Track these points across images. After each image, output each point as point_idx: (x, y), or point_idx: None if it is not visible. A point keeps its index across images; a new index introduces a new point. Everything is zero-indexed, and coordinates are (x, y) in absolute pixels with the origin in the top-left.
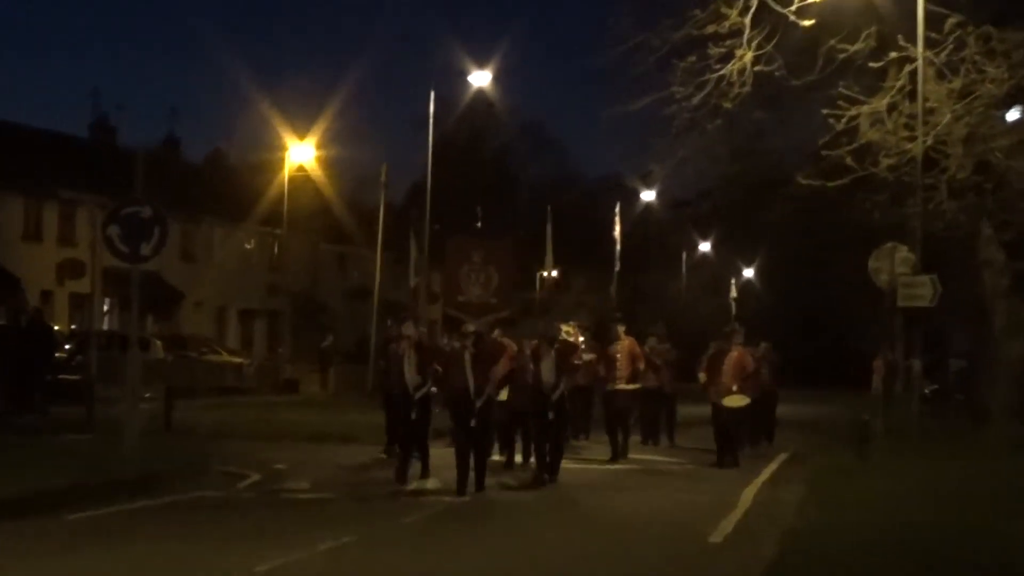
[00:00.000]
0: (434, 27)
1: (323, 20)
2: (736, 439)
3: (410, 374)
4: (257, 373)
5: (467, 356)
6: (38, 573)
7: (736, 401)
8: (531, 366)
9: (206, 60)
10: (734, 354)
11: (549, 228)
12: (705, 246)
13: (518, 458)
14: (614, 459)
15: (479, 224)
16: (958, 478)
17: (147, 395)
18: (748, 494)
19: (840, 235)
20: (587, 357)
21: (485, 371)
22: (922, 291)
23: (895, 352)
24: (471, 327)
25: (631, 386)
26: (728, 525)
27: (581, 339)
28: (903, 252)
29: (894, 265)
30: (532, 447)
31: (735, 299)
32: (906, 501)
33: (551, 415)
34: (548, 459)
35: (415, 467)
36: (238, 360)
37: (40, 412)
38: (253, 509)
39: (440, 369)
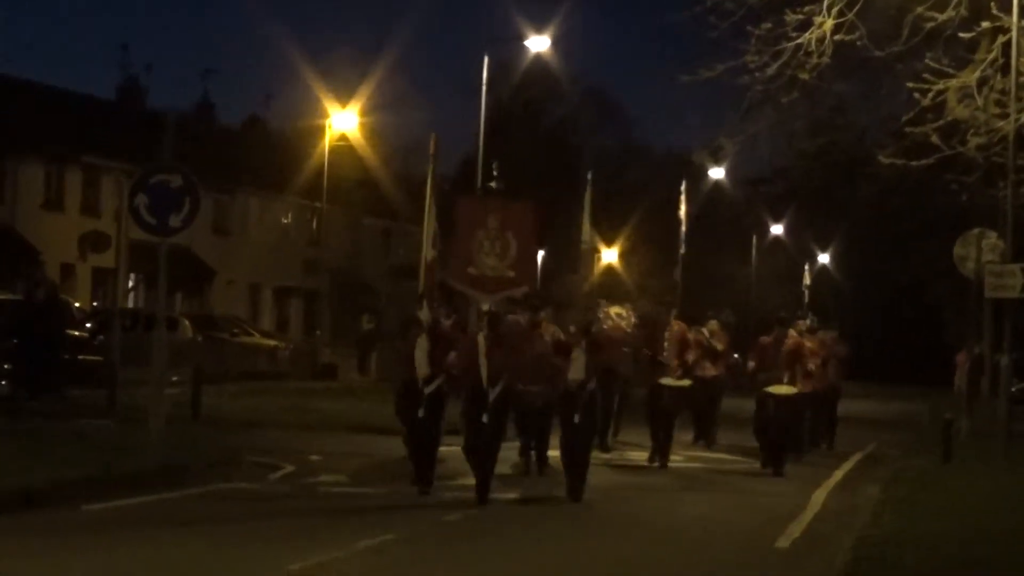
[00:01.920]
0: None
1: None
2: (785, 440)
3: (420, 365)
4: (293, 357)
5: (481, 340)
6: (54, 570)
7: (784, 389)
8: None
9: (244, 18)
10: (788, 341)
11: (588, 194)
12: (777, 229)
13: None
14: (652, 459)
15: (493, 184)
16: None
17: (174, 379)
18: (819, 497)
19: (924, 219)
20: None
21: (504, 358)
22: (1011, 281)
23: (982, 347)
24: (486, 306)
25: (681, 382)
26: (797, 530)
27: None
28: (992, 239)
29: (982, 252)
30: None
31: (808, 287)
32: (990, 512)
33: (577, 418)
34: (571, 473)
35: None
36: (273, 343)
37: (56, 394)
38: (286, 503)
39: (455, 360)
